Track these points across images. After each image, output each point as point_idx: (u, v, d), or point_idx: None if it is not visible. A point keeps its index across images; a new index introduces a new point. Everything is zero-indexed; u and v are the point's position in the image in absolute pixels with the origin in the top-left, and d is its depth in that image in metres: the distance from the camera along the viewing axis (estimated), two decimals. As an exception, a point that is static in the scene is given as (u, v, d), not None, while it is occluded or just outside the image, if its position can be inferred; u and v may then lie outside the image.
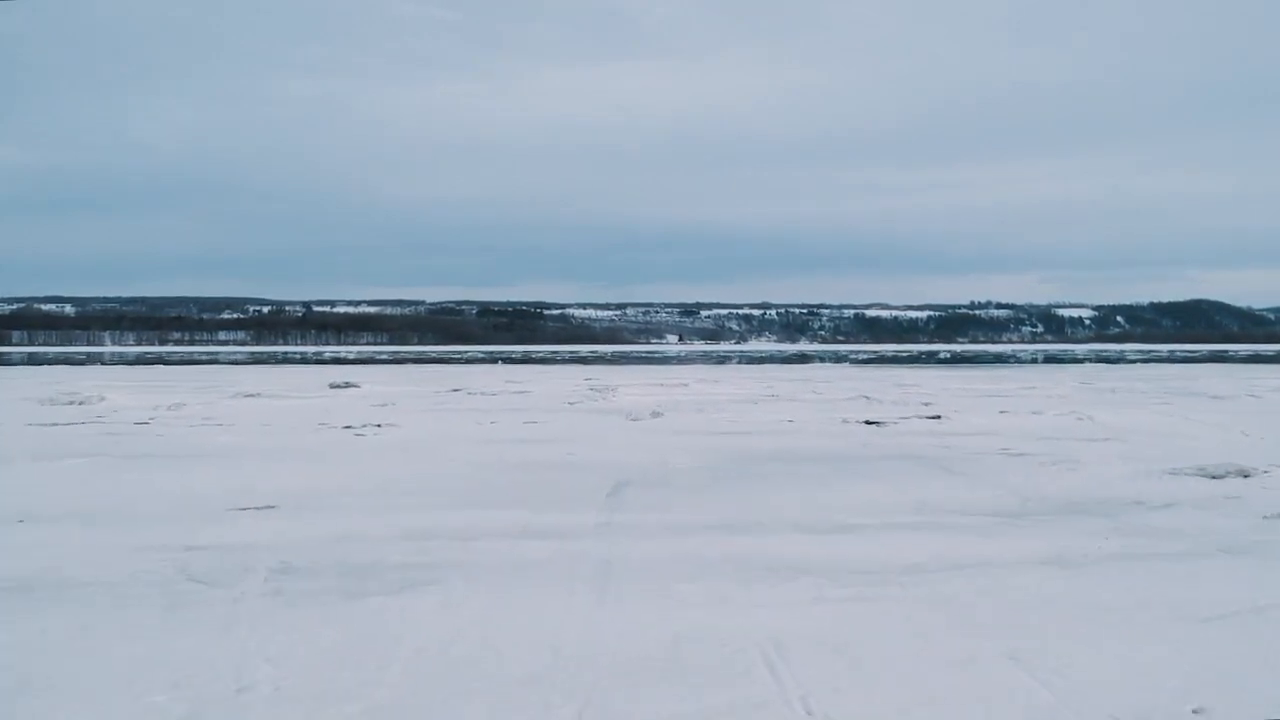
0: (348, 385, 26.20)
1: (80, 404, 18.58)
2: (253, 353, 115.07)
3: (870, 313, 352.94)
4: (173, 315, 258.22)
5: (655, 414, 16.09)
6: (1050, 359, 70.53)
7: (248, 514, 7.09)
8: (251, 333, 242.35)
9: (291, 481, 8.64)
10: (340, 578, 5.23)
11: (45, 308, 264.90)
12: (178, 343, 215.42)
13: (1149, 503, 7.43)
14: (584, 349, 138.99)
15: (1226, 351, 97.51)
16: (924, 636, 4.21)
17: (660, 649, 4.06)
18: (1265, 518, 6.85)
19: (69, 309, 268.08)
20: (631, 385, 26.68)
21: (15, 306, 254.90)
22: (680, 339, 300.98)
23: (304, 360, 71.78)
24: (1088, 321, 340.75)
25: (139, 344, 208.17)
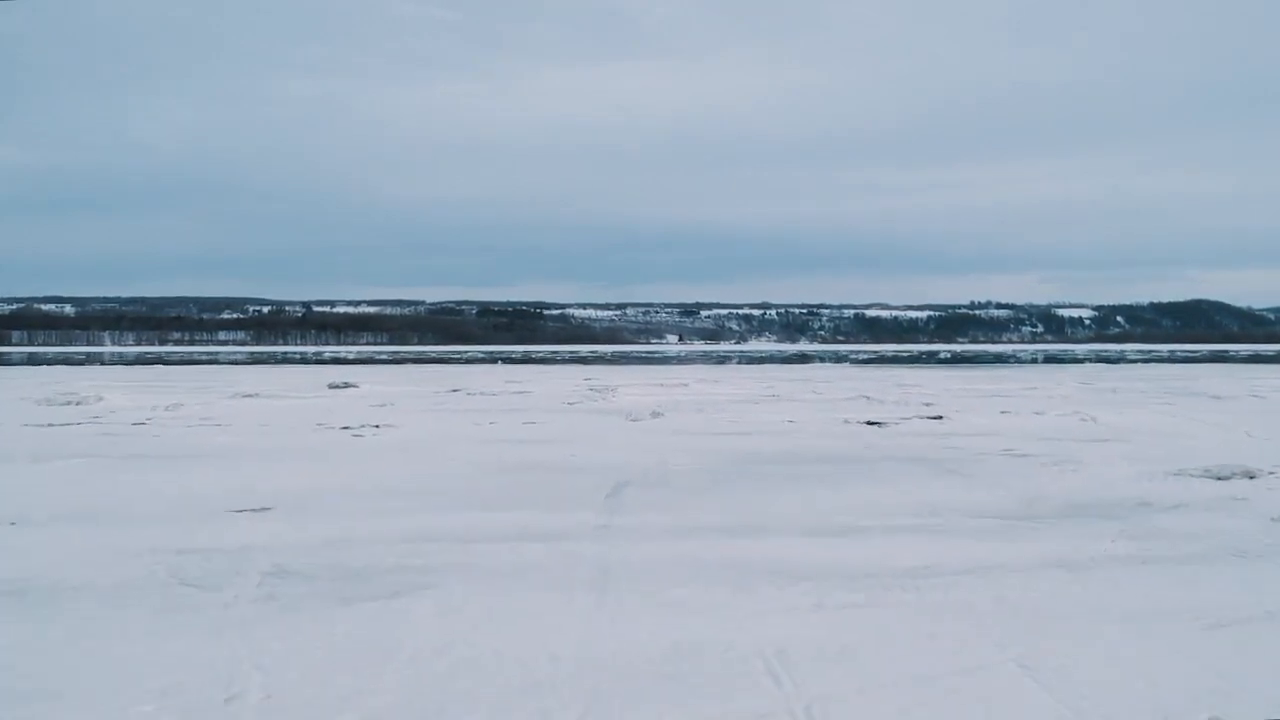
0: (346, 385, 26.12)
1: (77, 404, 18.49)
2: (252, 353, 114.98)
3: (870, 313, 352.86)
4: (172, 315, 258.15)
5: (655, 414, 16.00)
6: (1050, 359, 70.44)
7: (243, 516, 7.00)
8: (251, 333, 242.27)
9: (288, 482, 8.56)
10: (335, 581, 5.15)
11: (45, 308, 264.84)
12: (177, 343, 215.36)
13: (1155, 505, 7.34)
14: (584, 349, 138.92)
15: (1227, 352, 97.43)
16: (929, 643, 4.13)
17: (660, 655, 3.98)
18: (1274, 520, 6.76)
19: (69, 309, 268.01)
20: (631, 385, 26.60)
21: (15, 306, 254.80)
22: (680, 339, 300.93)
23: (303, 360, 71.69)
24: (1088, 321, 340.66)
25: (139, 344, 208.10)
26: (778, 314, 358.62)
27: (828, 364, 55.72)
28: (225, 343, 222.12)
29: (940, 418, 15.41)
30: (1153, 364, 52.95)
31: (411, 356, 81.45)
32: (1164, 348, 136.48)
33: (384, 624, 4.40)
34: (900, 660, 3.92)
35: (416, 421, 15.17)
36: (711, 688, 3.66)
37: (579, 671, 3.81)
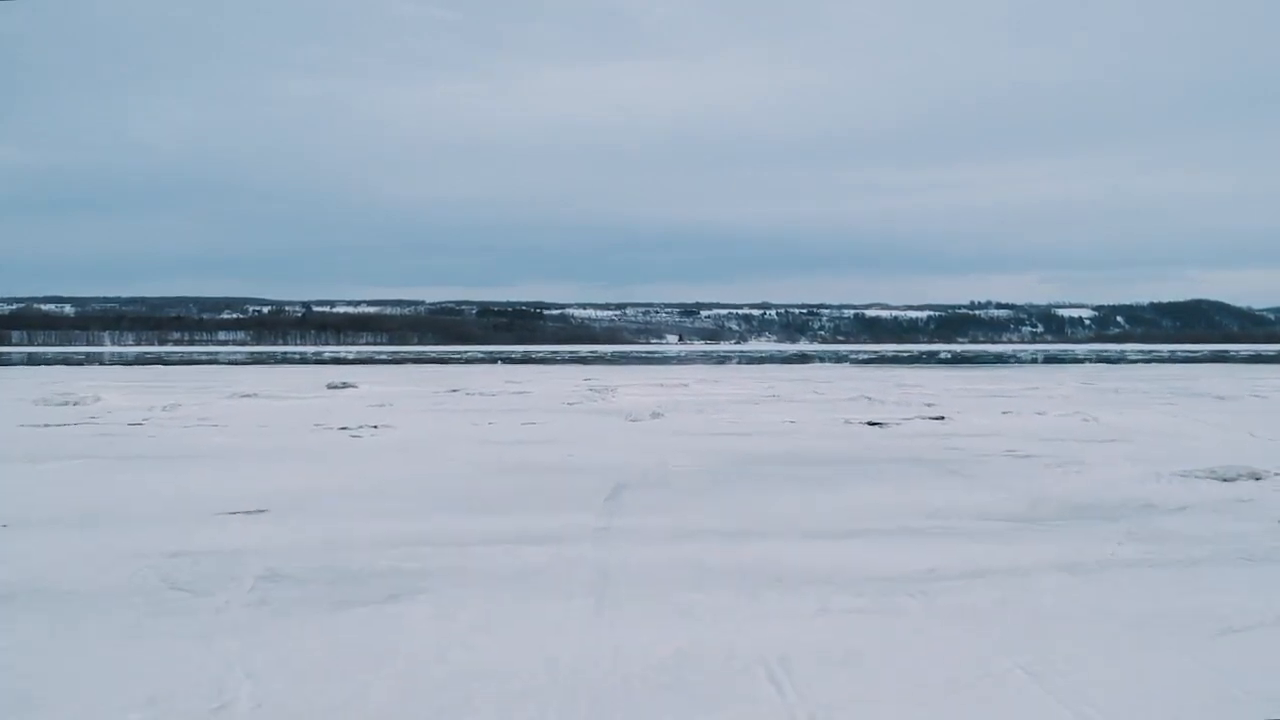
0: (345, 386, 26.03)
1: (75, 405, 18.41)
2: (252, 353, 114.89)
3: (870, 313, 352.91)
4: (172, 315, 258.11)
5: (655, 415, 15.92)
6: (1051, 359, 70.35)
7: (238, 518, 6.92)
8: (251, 333, 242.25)
9: (285, 484, 8.47)
10: (329, 585, 5.06)
11: (45, 308, 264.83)
12: (177, 343, 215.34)
13: (1161, 507, 7.26)
14: (584, 349, 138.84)
15: (1227, 352, 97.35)
16: (935, 649, 4.04)
17: (661, 662, 3.89)
18: (1280, 522, 6.67)
19: (68, 309, 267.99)
20: (631, 385, 26.51)
21: (15, 306, 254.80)
22: (680, 339, 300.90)
23: (303, 360, 71.60)
24: (1088, 321, 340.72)
25: (138, 344, 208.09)
26: (778, 314, 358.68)
27: (828, 364, 55.63)
28: (225, 343, 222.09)
29: (942, 418, 15.32)
30: (1153, 364, 52.87)
31: (411, 356, 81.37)
32: (1164, 348, 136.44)
33: (378, 630, 4.31)
34: (905, 667, 3.83)
35: (415, 422, 15.08)
36: (713, 695, 3.57)
37: (577, 679, 3.73)
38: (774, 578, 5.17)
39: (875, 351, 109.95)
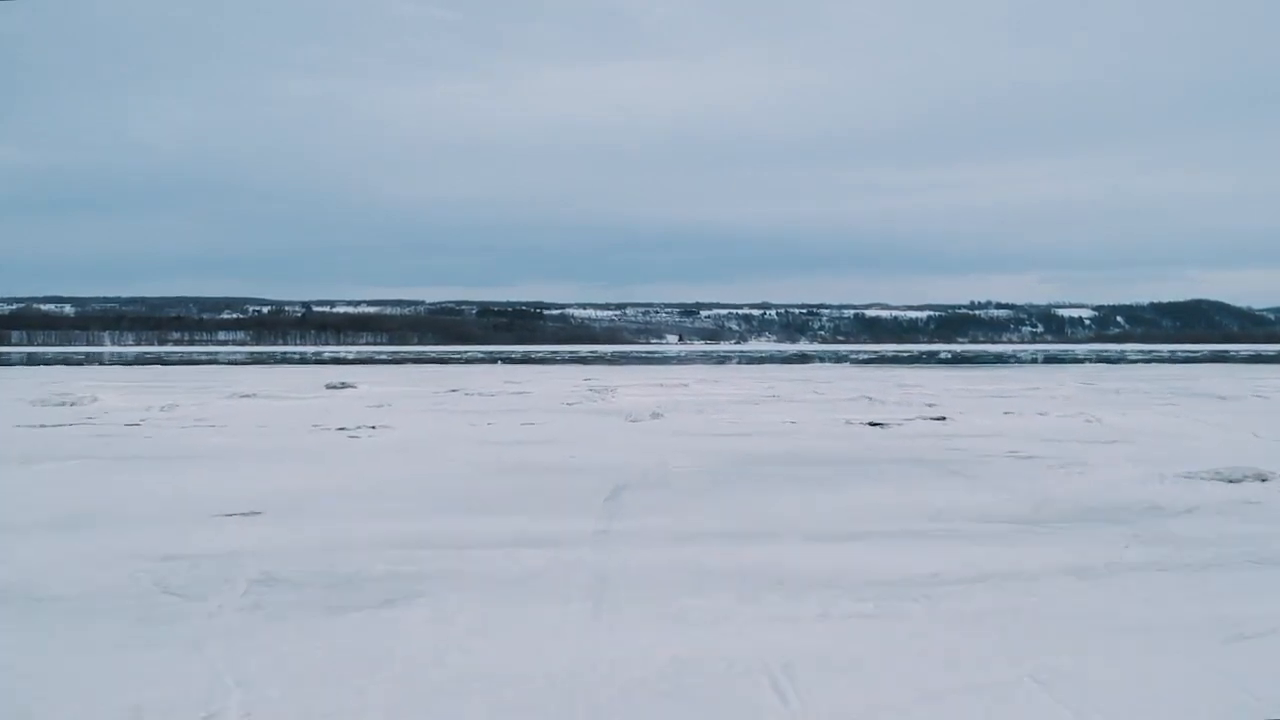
0: (344, 386, 25.95)
1: (72, 405, 18.32)
2: (251, 353, 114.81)
3: (870, 313, 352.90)
4: (172, 315, 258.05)
5: (655, 415, 15.83)
6: (1051, 359, 70.28)
7: (233, 520, 6.83)
8: (251, 333, 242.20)
9: (281, 485, 8.39)
10: (324, 589, 4.98)
11: (45, 308, 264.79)
12: (177, 343, 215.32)
13: (1167, 509, 7.17)
14: (584, 349, 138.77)
15: (1228, 352, 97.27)
16: (940, 656, 3.95)
17: (660, 669, 3.81)
18: (1288, 524, 6.59)
19: (68, 309, 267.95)
20: (631, 386, 26.43)
21: (15, 306, 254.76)
22: (680, 339, 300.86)
23: (302, 360, 71.52)
24: (1088, 321, 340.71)
25: (138, 344, 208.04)
26: (778, 314, 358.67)
27: (828, 364, 55.55)
28: (225, 343, 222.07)
29: (943, 419, 15.24)
30: (1154, 364, 52.79)
31: (411, 356, 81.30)
32: (1164, 348, 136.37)
33: (373, 635, 4.23)
34: (910, 674, 3.75)
35: (414, 422, 15.00)
36: (714, 703, 3.49)
37: (575, 686, 3.65)
38: (775, 581, 5.09)
39: (875, 351, 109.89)
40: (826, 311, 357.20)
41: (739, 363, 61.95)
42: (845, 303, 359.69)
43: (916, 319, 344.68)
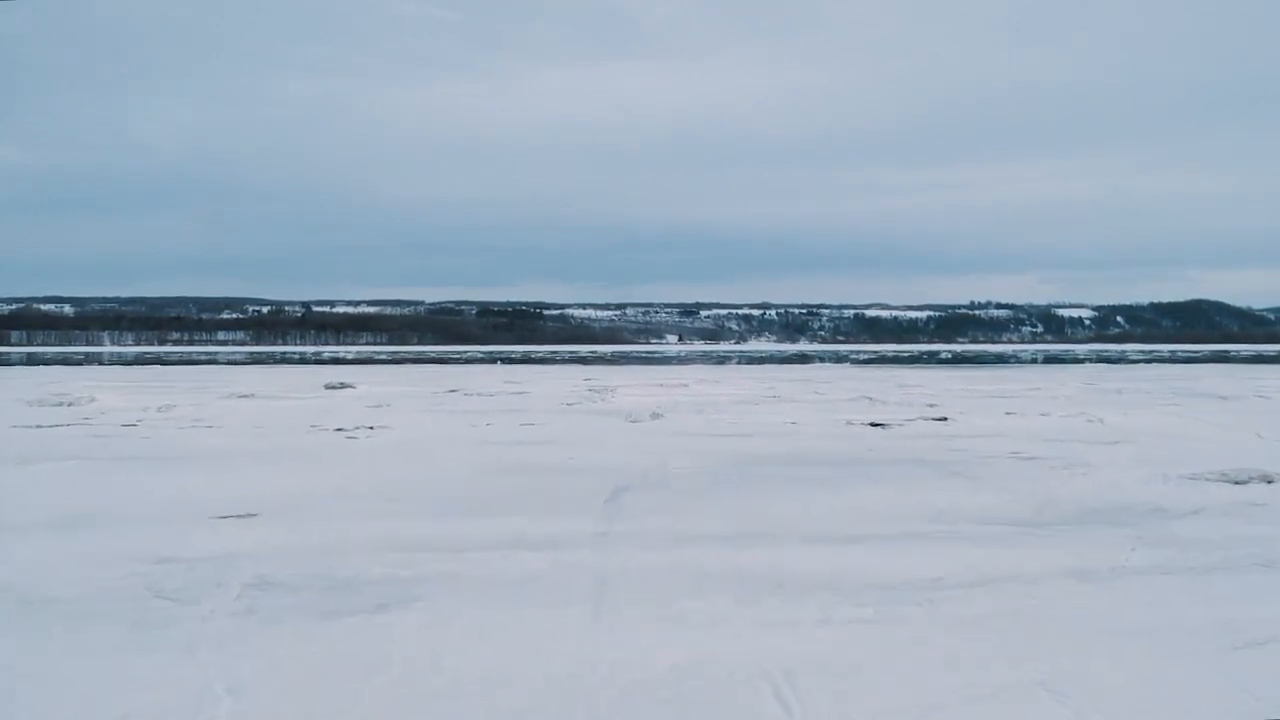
0: (343, 386, 25.88)
1: (69, 405, 18.25)
2: (251, 353, 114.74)
3: (870, 313, 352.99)
4: (172, 315, 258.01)
5: (655, 415, 15.76)
6: (1051, 359, 70.21)
7: (228, 522, 6.76)
8: (251, 333, 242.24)
9: (278, 486, 8.32)
10: (320, 593, 4.91)
11: (44, 308, 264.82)
12: (176, 343, 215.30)
13: (1171, 511, 7.10)
14: (583, 349, 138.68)
15: (1228, 352, 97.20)
16: (945, 662, 3.89)
17: (660, 675, 3.74)
18: (1294, 526, 6.52)
19: (68, 309, 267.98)
20: (631, 386, 26.36)
21: (14, 306, 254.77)
22: (680, 339, 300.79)
23: (302, 360, 71.45)
24: (1088, 321, 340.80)
25: (138, 344, 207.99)
26: (777, 314, 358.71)
27: (828, 364, 55.47)
28: (224, 343, 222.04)
29: (944, 419, 15.17)
30: (1154, 364, 52.71)
31: (410, 357, 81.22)
32: (1164, 348, 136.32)
33: (368, 640, 4.16)
34: (914, 681, 3.68)
35: (412, 423, 14.93)
36: (715, 710, 3.43)
37: (574, 690, 3.58)
38: (776, 584, 5.02)
39: (875, 351, 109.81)
40: (826, 311, 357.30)
41: (739, 363, 61.88)
42: (845, 303, 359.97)
43: (916, 319, 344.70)
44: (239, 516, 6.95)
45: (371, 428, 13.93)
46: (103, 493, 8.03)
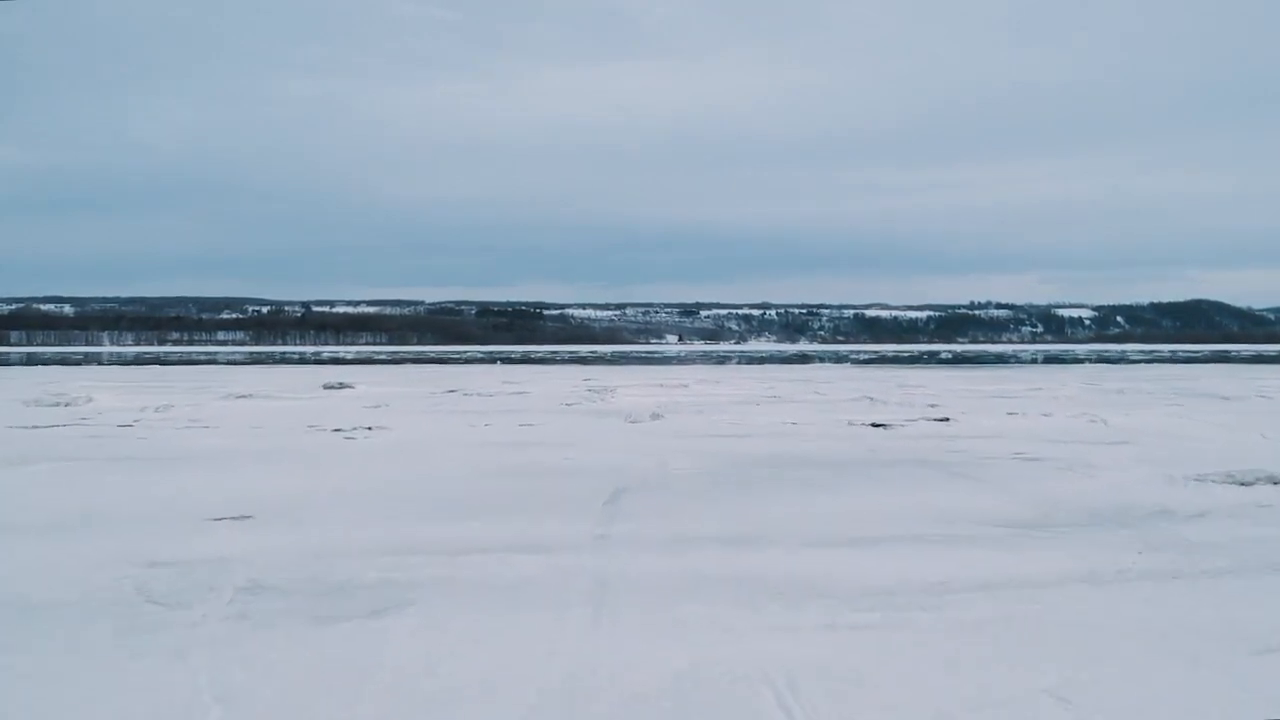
0: (341, 386, 25.79)
1: (66, 405, 18.16)
2: (250, 353, 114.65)
3: (870, 313, 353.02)
4: (172, 315, 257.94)
5: (655, 416, 15.67)
6: (1051, 359, 70.13)
7: (222, 524, 6.68)
8: (250, 333, 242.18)
9: (274, 488, 8.23)
10: (313, 598, 4.82)
11: (44, 308, 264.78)
12: (176, 343, 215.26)
13: (1178, 512, 7.01)
14: (583, 349, 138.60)
15: (1228, 352, 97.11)
16: (953, 669, 3.80)
17: (660, 683, 3.66)
18: (1303, 529, 6.43)
19: (68, 309, 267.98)
20: (630, 386, 26.27)
21: (14, 306, 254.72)
22: (680, 339, 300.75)
23: (301, 360, 71.36)
24: (1088, 322, 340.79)
25: (138, 344, 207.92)
26: (777, 314, 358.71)
27: (828, 364, 55.38)
28: (224, 343, 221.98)
29: (946, 419, 15.09)
30: (1155, 364, 52.63)
31: (410, 357, 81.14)
32: (1165, 348, 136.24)
33: (361, 647, 4.07)
34: (921, 690, 3.60)
35: (410, 423, 14.84)
36: (716, 718, 3.34)
37: (572, 699, 3.50)
38: (778, 589, 4.93)
39: (875, 351, 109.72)
40: (826, 311, 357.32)
41: (739, 363, 61.79)
42: (845, 303, 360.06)
43: (916, 319, 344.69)
44: (233, 518, 6.86)
45: (369, 428, 13.84)
46: (96, 494, 7.95)
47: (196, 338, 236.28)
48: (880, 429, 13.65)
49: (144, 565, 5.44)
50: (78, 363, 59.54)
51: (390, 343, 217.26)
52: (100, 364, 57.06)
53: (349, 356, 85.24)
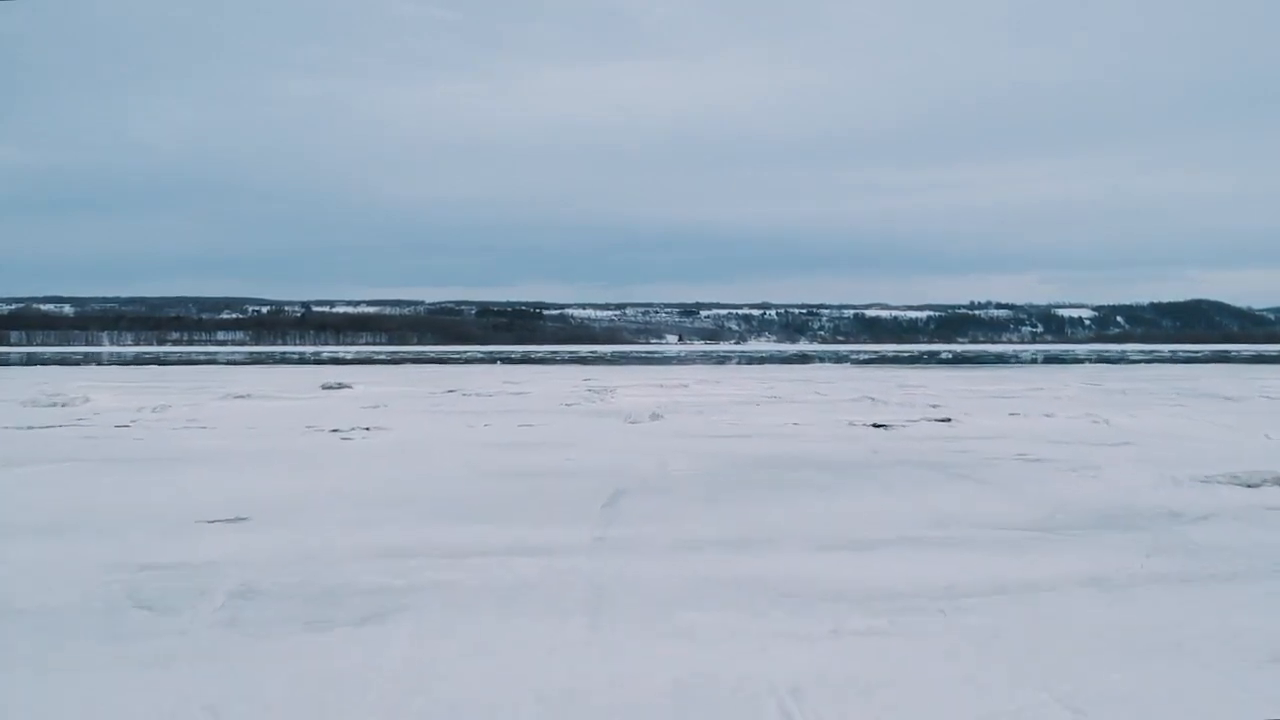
0: (340, 386, 25.69)
1: (63, 405, 18.07)
2: (250, 353, 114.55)
3: (870, 313, 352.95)
4: (172, 315, 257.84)
5: (655, 416, 15.58)
6: (1052, 359, 70.02)
7: (216, 527, 6.58)
8: (250, 333, 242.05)
9: (270, 489, 8.13)
10: (305, 603, 4.72)
11: (44, 308, 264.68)
12: (176, 343, 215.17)
13: (1185, 515, 6.92)
14: (583, 349, 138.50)
15: (1229, 352, 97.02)
16: (962, 678, 3.70)
17: (661, 693, 3.56)
18: (1312, 532, 6.33)
19: (68, 309, 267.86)
20: (630, 386, 26.16)
21: (14, 306, 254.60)
22: (680, 339, 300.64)
23: (301, 360, 71.25)
24: (1088, 322, 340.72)
25: (137, 344, 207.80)
26: (777, 314, 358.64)
27: (828, 364, 55.27)
28: (224, 343, 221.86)
29: (948, 420, 14.98)
30: (1155, 364, 52.52)
31: (410, 357, 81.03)
32: (1165, 348, 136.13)
33: (354, 655, 3.98)
34: (930, 699, 3.50)
35: (409, 423, 14.74)
36: (717, 732, 3.24)
37: (570, 709, 3.40)
38: (781, 594, 4.83)
39: (876, 352, 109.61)
40: (826, 311, 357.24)
41: (739, 363, 61.69)
42: (845, 303, 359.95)
43: (916, 319, 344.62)
44: (228, 521, 6.76)
45: (368, 429, 13.74)
46: (90, 495, 7.85)
47: (196, 338, 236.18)
48: (881, 430, 13.56)
49: (135, 568, 5.34)
50: (77, 363, 59.43)
51: (390, 343, 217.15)
52: (100, 364, 56.94)
53: (349, 356, 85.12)
